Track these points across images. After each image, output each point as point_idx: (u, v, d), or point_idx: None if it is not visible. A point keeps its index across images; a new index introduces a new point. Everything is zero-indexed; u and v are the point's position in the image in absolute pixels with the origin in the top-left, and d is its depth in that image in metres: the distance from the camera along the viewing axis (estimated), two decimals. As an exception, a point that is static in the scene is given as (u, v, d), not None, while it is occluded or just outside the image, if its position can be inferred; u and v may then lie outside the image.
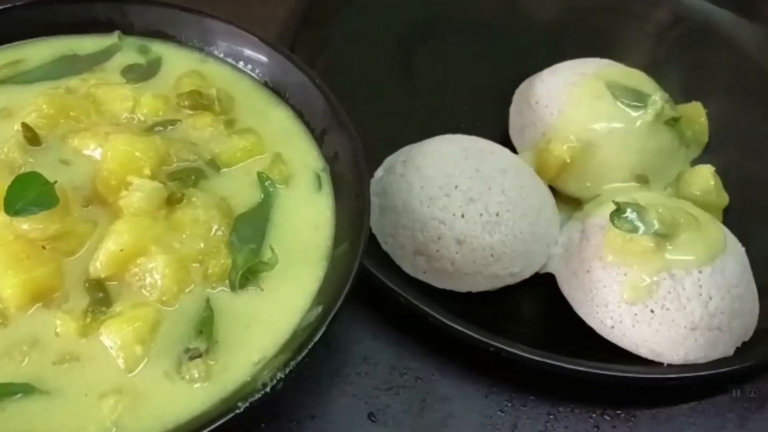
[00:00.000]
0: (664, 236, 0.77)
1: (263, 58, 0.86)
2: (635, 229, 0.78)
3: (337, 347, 0.83)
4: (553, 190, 0.92)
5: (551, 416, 0.80)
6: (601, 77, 0.92)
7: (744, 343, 0.81)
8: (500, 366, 0.80)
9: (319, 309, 0.68)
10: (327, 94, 0.82)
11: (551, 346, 0.80)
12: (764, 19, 1.14)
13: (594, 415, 0.80)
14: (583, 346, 0.81)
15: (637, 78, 0.95)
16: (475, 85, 1.06)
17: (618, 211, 0.79)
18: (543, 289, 0.86)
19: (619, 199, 0.80)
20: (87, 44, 0.88)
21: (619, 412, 0.80)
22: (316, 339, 0.64)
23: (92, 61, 0.86)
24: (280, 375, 0.63)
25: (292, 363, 0.63)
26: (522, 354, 0.77)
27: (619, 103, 0.90)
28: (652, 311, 0.78)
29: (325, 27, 1.05)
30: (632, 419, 0.80)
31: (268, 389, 0.62)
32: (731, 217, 0.94)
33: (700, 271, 0.78)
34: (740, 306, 0.79)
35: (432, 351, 0.83)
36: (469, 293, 0.84)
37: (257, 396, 0.62)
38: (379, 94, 1.03)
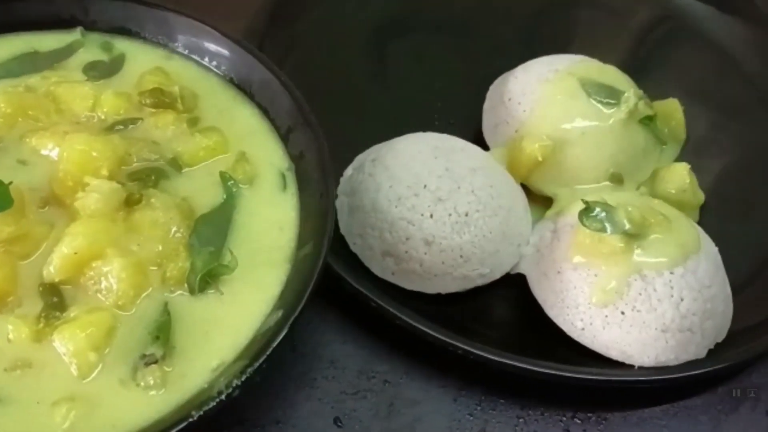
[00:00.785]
0: (633, 236, 0.76)
1: (228, 55, 0.84)
2: (604, 229, 0.76)
3: (304, 350, 0.81)
4: (526, 189, 0.91)
5: (521, 420, 0.78)
6: (575, 74, 0.91)
7: (717, 345, 0.80)
8: (469, 368, 0.79)
9: (280, 313, 0.67)
10: (292, 92, 0.80)
11: (521, 348, 0.78)
12: (743, 15, 1.12)
13: (564, 419, 0.79)
14: (553, 348, 0.80)
15: (611, 74, 0.93)
16: (449, 81, 1.04)
17: (587, 210, 0.77)
18: (514, 289, 0.85)
19: (588, 198, 0.78)
20: (48, 41, 0.86)
21: (590, 415, 0.79)
22: (274, 345, 0.63)
23: (53, 59, 0.84)
24: (236, 382, 0.61)
25: (249, 370, 0.61)
26: (490, 357, 0.76)
27: (592, 100, 0.89)
28: (622, 313, 0.76)
29: (296, 23, 1.03)
30: (603, 422, 0.79)
31: (223, 397, 0.60)
32: (708, 215, 0.93)
33: (671, 272, 0.76)
34: (713, 307, 0.78)
35: (401, 353, 0.81)
36: (439, 294, 0.83)
37: (212, 404, 0.60)
38: (351, 90, 1.01)
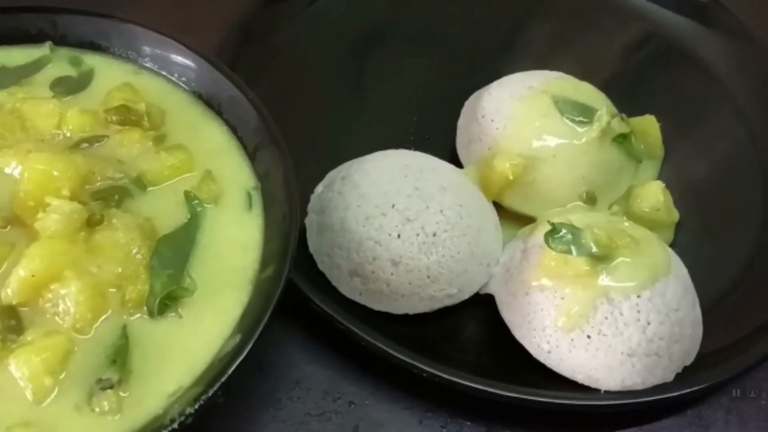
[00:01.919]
0: (600, 258, 0.75)
1: (195, 70, 0.83)
2: (569, 251, 0.76)
3: (269, 370, 0.81)
4: (500, 207, 0.90)
5: (487, 442, 0.78)
6: (548, 91, 0.90)
7: (686, 368, 0.79)
8: (435, 390, 0.78)
9: (238, 338, 0.66)
10: (260, 109, 0.79)
11: (488, 370, 0.78)
12: (728, 31, 1.11)
13: (530, 441, 0.78)
14: (520, 370, 0.79)
15: (586, 92, 0.92)
16: (426, 95, 1.03)
17: (553, 231, 0.77)
18: (483, 310, 0.84)
19: (555, 220, 0.77)
20: (16, 56, 0.85)
21: (556, 438, 0.79)
22: (229, 372, 0.62)
23: (20, 74, 0.83)
24: (189, 410, 0.60)
25: (203, 397, 0.61)
26: (456, 380, 0.75)
27: (565, 119, 0.88)
28: (588, 336, 0.76)
29: (270, 38, 1.02)
30: (570, 445, 0.78)
31: (176, 425, 0.60)
32: (683, 234, 0.93)
33: (638, 296, 0.76)
34: (681, 330, 0.77)
35: (367, 374, 0.81)
36: (407, 314, 0.82)
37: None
38: (327, 105, 1.01)
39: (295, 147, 0.76)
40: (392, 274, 0.80)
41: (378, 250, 0.80)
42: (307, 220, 0.87)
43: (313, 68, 1.03)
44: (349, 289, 0.82)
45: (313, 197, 0.88)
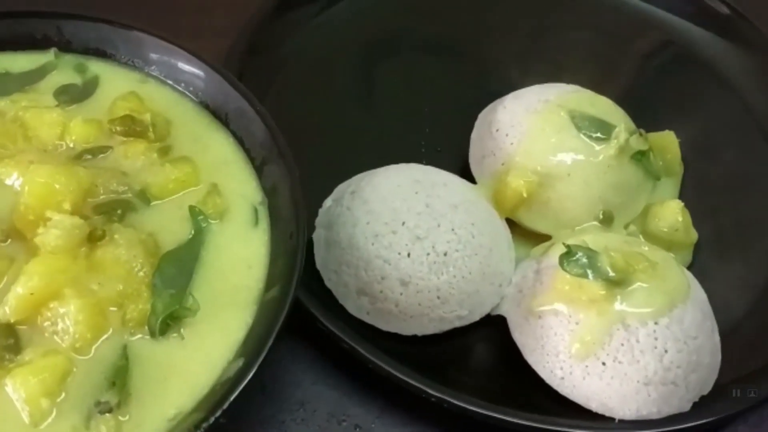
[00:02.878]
0: (616, 283, 0.73)
1: (203, 80, 0.81)
2: (585, 275, 0.73)
3: (272, 390, 0.79)
4: (513, 223, 0.88)
5: (495, 469, 0.76)
6: (565, 105, 0.87)
7: (702, 397, 0.77)
8: (444, 414, 0.76)
9: (241, 362, 0.64)
10: (267, 122, 0.77)
11: (498, 394, 0.76)
12: (748, 42, 1.08)
13: (541, 470, 0.76)
14: (532, 396, 0.77)
15: (604, 106, 0.90)
16: (438, 106, 1.01)
17: (568, 254, 0.74)
18: (494, 331, 0.82)
19: (570, 241, 0.75)
20: (21, 62, 0.83)
21: (568, 466, 0.76)
22: (231, 399, 0.60)
23: (25, 81, 0.82)
24: (190, 437, 0.59)
25: (204, 425, 0.59)
26: (465, 405, 0.73)
27: (581, 135, 0.85)
28: (603, 363, 0.73)
29: (277, 50, 1.00)
30: (582, 474, 0.76)
31: (175, 452, 0.58)
32: (702, 254, 0.90)
33: (656, 322, 0.73)
34: (698, 358, 0.75)
35: (373, 396, 0.79)
36: (416, 335, 0.80)
37: (164, 460, 0.58)
38: (337, 115, 0.99)
39: (303, 159, 0.74)
40: (401, 294, 0.78)
41: (387, 269, 0.78)
42: (314, 235, 0.85)
43: (322, 79, 1.01)
44: (356, 307, 0.80)
45: (321, 211, 0.86)
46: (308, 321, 0.77)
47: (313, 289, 0.80)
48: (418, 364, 0.76)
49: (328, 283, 0.82)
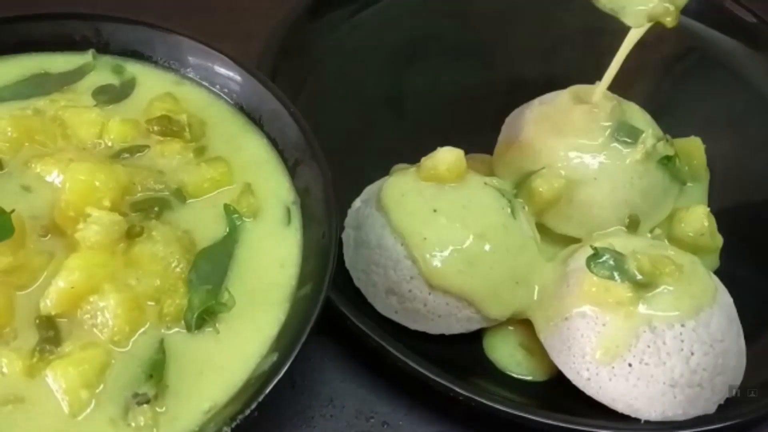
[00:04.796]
0: (643, 286, 0.74)
1: (238, 82, 0.83)
2: (612, 277, 0.74)
3: (302, 387, 0.80)
4: (540, 226, 0.88)
5: (522, 469, 0.76)
6: (593, 110, 0.88)
7: (728, 400, 0.77)
8: (470, 413, 0.77)
9: (275, 357, 0.65)
10: (301, 124, 0.79)
11: (525, 394, 0.77)
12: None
13: (566, 469, 0.76)
14: (559, 397, 0.78)
15: (631, 111, 0.90)
16: (465, 110, 1.02)
17: (595, 256, 0.75)
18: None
19: (597, 244, 0.76)
20: (59, 62, 0.85)
21: (593, 466, 0.77)
22: (266, 392, 0.62)
23: (63, 81, 0.84)
24: (225, 429, 0.60)
25: (239, 417, 0.61)
26: (492, 405, 0.74)
27: (610, 138, 0.86)
28: (630, 365, 0.74)
29: (309, 52, 1.02)
30: (607, 475, 0.76)
31: (211, 444, 0.60)
32: (728, 259, 0.91)
33: (682, 325, 0.74)
34: (724, 361, 0.75)
35: (401, 394, 0.80)
36: (443, 335, 0.81)
37: (200, 451, 0.59)
38: (367, 118, 1.00)
39: (334, 159, 0.75)
40: (429, 293, 0.79)
41: (415, 269, 0.79)
42: (344, 235, 0.86)
43: (353, 81, 1.03)
44: (385, 306, 0.82)
45: (350, 212, 0.88)
46: (337, 319, 0.79)
47: (342, 289, 0.81)
48: (446, 363, 0.77)
49: (357, 283, 0.83)
